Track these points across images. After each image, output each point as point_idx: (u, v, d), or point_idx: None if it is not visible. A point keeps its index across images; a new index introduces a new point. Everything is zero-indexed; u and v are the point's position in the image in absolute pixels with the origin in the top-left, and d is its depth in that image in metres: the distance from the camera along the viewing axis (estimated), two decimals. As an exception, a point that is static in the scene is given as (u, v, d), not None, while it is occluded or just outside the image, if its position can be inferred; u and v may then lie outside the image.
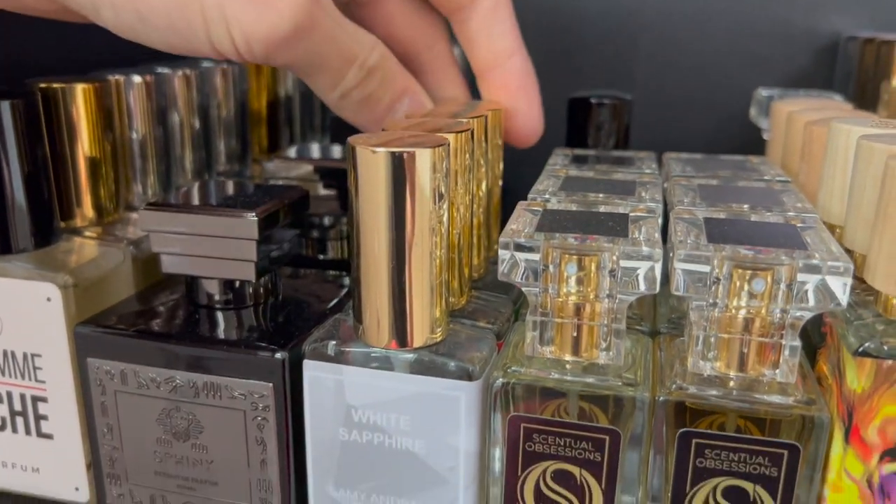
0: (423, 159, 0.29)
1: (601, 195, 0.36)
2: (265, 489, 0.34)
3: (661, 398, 0.30)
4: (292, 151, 0.49)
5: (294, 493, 0.35)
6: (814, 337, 0.34)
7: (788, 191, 0.37)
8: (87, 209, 0.40)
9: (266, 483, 0.34)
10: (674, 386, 0.30)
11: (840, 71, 0.62)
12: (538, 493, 0.32)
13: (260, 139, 0.58)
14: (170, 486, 0.36)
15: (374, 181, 0.30)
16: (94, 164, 0.40)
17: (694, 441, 0.30)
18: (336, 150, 0.49)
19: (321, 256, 0.46)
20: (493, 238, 0.42)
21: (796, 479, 0.29)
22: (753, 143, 0.55)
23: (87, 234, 0.40)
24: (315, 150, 0.48)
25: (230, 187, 0.38)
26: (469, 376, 0.31)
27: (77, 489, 0.38)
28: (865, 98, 0.56)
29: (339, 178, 0.46)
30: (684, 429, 0.30)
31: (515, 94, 0.39)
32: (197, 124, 0.50)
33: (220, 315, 0.36)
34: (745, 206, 0.34)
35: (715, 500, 0.30)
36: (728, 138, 0.63)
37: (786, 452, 0.29)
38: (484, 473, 0.32)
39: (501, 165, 0.43)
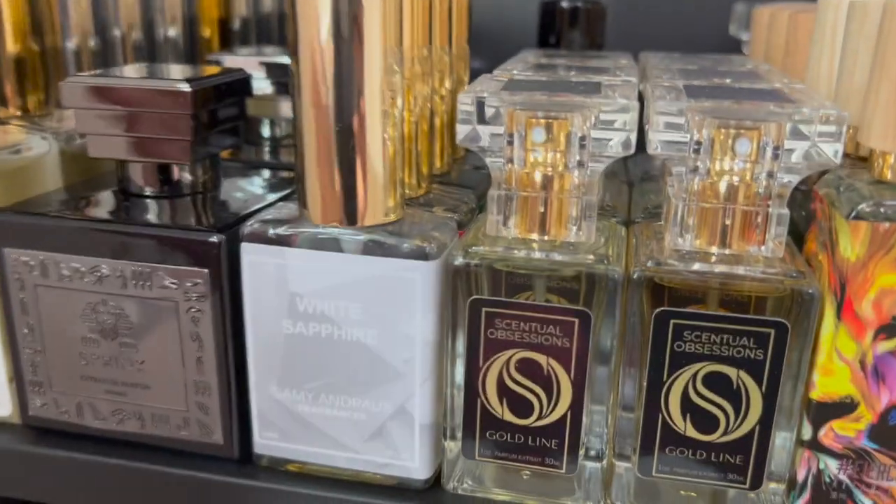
0: (373, 4, 0.26)
1: (573, 72, 0.33)
2: (202, 392, 0.31)
3: (636, 274, 0.27)
4: (244, 51, 0.45)
5: (235, 395, 0.31)
6: (800, 222, 0.32)
7: (773, 73, 0.34)
8: (13, 100, 0.37)
9: (203, 385, 0.31)
10: (649, 262, 0.27)
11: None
12: (501, 385, 0.29)
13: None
14: (98, 392, 0.32)
15: (317, 34, 0.26)
16: (21, 55, 0.37)
17: (672, 322, 0.27)
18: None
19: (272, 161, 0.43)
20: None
21: (783, 361, 0.27)
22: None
23: (13, 123, 0.36)
24: (269, 52, 0.45)
25: (166, 69, 0.35)
26: (425, 256, 0.28)
27: (-3, 401, 0.34)
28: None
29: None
30: (661, 308, 0.27)
31: None
32: (141, 37, 0.47)
33: (152, 203, 0.33)
34: (728, 80, 0.32)
35: (695, 388, 0.28)
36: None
37: (772, 332, 0.26)
38: (442, 366, 0.29)
39: (468, 70, 0.40)
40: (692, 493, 0.29)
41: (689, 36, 0.58)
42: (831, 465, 0.28)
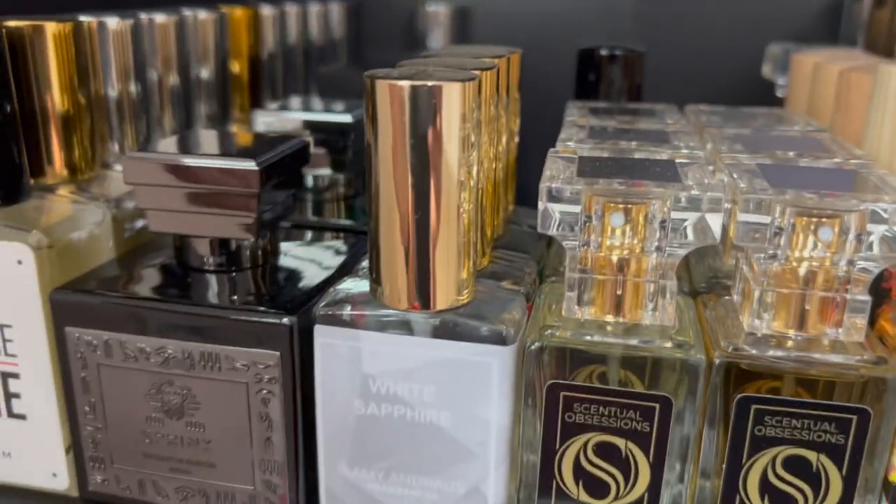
0: (453, 94, 0.26)
1: (633, 143, 0.33)
2: (270, 470, 0.31)
3: (718, 360, 0.27)
4: (274, 105, 0.45)
5: (303, 474, 0.31)
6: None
7: (828, 139, 0.34)
8: (59, 165, 0.36)
9: (271, 464, 0.31)
10: (730, 347, 0.27)
11: (845, 27, 0.60)
12: (578, 468, 0.29)
13: (242, 98, 0.54)
14: (161, 470, 0.32)
15: (397, 120, 0.26)
16: (66, 117, 0.36)
17: (753, 407, 0.27)
18: (322, 105, 0.45)
19: (315, 219, 0.43)
20: (510, 197, 0.39)
21: (865, 446, 0.27)
22: (765, 100, 0.53)
23: (61, 192, 0.35)
24: (301, 104, 0.44)
25: (223, 136, 0.34)
26: (503, 340, 0.28)
27: (55, 475, 0.34)
28: (878, 52, 0.54)
29: (329, 133, 0.42)
30: (743, 394, 0.27)
31: None
32: (176, 79, 0.46)
33: (214, 278, 0.32)
34: (790, 152, 0.32)
35: (774, 471, 0.28)
36: (738, 96, 0.61)
37: (855, 418, 0.27)
38: (517, 449, 0.29)
39: (518, 120, 0.40)
40: None
41: (721, 76, 0.58)
42: (908, 547, 0.29)
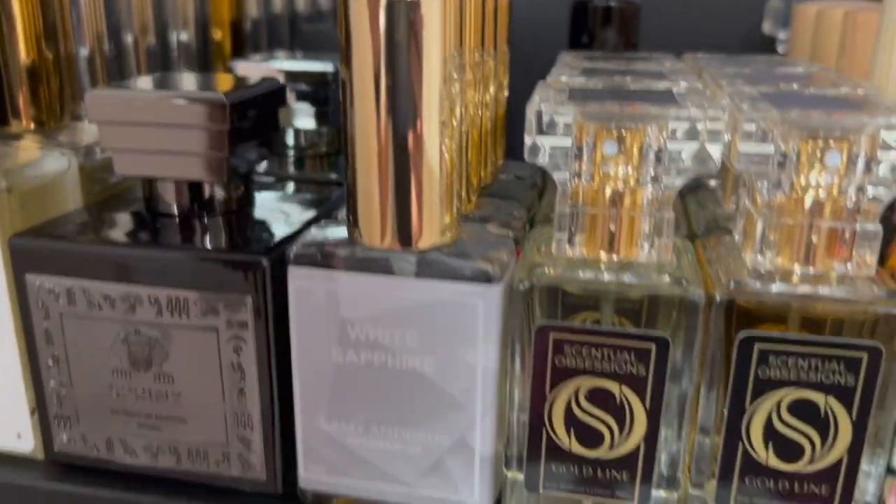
0: (433, 10, 0.24)
1: (629, 78, 0.31)
2: (244, 424, 0.29)
3: (719, 297, 0.25)
4: (257, 57, 0.43)
5: (279, 428, 0.29)
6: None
7: (833, 75, 0.32)
8: (26, 115, 0.35)
9: (245, 417, 0.29)
10: (732, 284, 0.25)
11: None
12: (569, 416, 0.27)
13: (224, 65, 0.52)
14: (130, 427, 0.30)
15: (372, 41, 0.24)
16: (32, 69, 0.34)
17: (756, 346, 0.25)
18: (304, 58, 0.43)
19: (297, 173, 0.41)
20: (499, 151, 0.37)
21: (876, 387, 0.25)
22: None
23: (27, 138, 0.34)
24: (283, 57, 0.43)
25: (195, 77, 0.33)
26: (489, 279, 0.26)
27: (19, 436, 0.32)
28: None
29: (311, 84, 0.40)
30: (746, 332, 0.25)
31: None
32: (154, 42, 0.45)
33: (184, 224, 0.31)
34: (795, 85, 0.30)
35: (779, 416, 0.26)
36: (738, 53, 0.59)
37: (865, 355, 0.25)
38: (504, 397, 0.27)
39: (507, 73, 0.38)
40: None
41: (720, 33, 0.56)
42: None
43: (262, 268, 0.27)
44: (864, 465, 0.26)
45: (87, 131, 0.35)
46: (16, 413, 0.32)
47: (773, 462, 0.26)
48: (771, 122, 0.24)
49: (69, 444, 0.31)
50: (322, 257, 0.27)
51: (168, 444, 0.30)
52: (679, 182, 0.25)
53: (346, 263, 0.27)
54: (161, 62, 0.47)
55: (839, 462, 0.26)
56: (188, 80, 0.32)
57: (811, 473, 0.26)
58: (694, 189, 0.36)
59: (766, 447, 0.26)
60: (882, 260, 0.28)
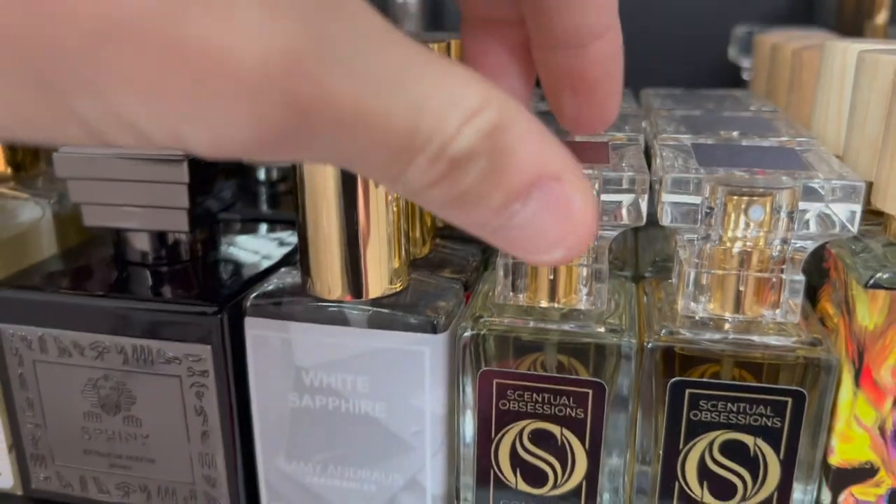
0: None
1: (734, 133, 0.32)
2: (208, 465, 0.31)
3: (650, 345, 0.26)
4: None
5: (242, 468, 0.31)
6: (812, 276, 0.31)
7: (779, 119, 0.33)
8: (3, 159, 0.36)
9: (209, 458, 0.31)
10: (663, 331, 0.27)
11: (819, 11, 0.59)
12: (515, 456, 0.28)
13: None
14: (101, 466, 0.32)
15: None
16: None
17: (687, 392, 0.26)
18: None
19: (270, 212, 0.42)
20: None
21: (801, 429, 0.26)
22: (733, 84, 0.52)
23: (3, 186, 0.35)
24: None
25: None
26: (433, 329, 0.27)
27: (-1, 473, 0.34)
28: (847, 33, 0.53)
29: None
30: (675, 378, 0.26)
31: (600, 82, 0.24)
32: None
33: (151, 273, 0.32)
34: (735, 132, 0.31)
35: (712, 456, 0.27)
36: (705, 82, 0.60)
37: (790, 400, 0.26)
38: (453, 439, 0.29)
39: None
40: None
41: (688, 61, 0.57)
42: (852, 529, 0.28)
43: (218, 319, 0.29)
44: (798, 495, 0.27)
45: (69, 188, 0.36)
46: (-5, 453, 0.33)
47: (708, 500, 0.28)
48: (696, 181, 0.25)
49: (45, 482, 0.33)
50: (276, 309, 0.28)
51: (138, 483, 0.32)
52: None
53: (300, 315, 0.28)
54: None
55: (770, 500, 0.27)
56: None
57: None
58: (649, 224, 0.38)
59: (702, 486, 0.28)
60: (814, 303, 0.30)
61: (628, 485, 0.29)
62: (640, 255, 0.35)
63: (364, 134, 0.15)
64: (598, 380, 0.27)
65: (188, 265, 0.33)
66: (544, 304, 0.28)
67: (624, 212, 0.26)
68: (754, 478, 0.27)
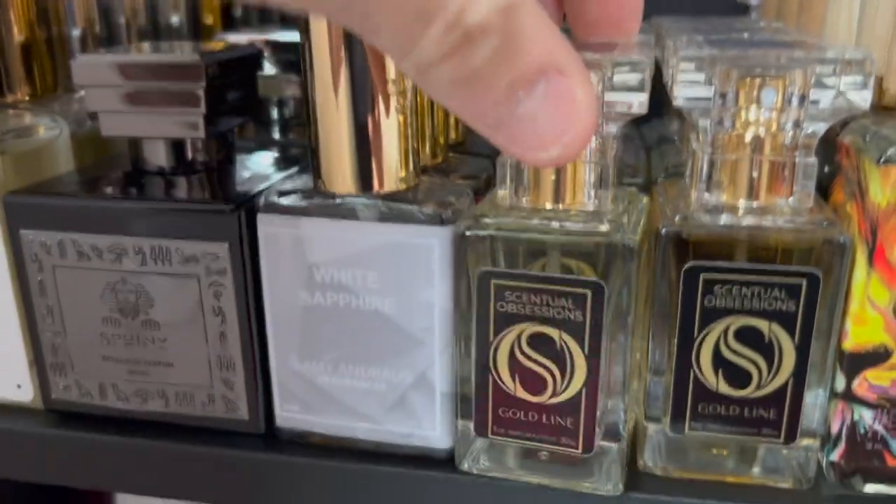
0: None
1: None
2: (227, 367, 0.31)
3: (664, 231, 0.26)
4: (245, 30, 0.45)
5: (260, 369, 0.31)
6: (822, 179, 0.31)
7: (788, 29, 0.33)
8: (20, 87, 0.37)
9: (227, 360, 0.31)
10: (677, 218, 0.27)
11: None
12: (513, 361, 0.28)
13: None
14: (120, 373, 0.32)
15: None
16: (25, 45, 0.36)
17: (702, 276, 0.26)
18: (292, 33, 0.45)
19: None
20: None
21: (816, 312, 0.26)
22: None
23: (21, 107, 0.36)
24: (271, 31, 0.44)
25: (177, 45, 0.35)
26: (441, 221, 0.27)
27: (19, 386, 0.34)
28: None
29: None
30: (690, 262, 0.26)
31: None
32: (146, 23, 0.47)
33: (168, 181, 0.33)
34: (746, 34, 0.31)
35: (727, 344, 0.27)
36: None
37: (804, 282, 0.26)
38: (459, 338, 0.29)
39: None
40: (723, 452, 0.29)
41: (695, 3, 0.57)
42: (866, 416, 0.28)
43: (235, 216, 0.29)
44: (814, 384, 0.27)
45: (79, 102, 0.37)
46: (15, 365, 0.34)
47: (724, 389, 0.28)
48: (709, 60, 0.25)
49: (65, 392, 0.33)
50: (287, 205, 0.29)
51: (157, 388, 0.32)
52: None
53: (310, 209, 0.28)
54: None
55: (785, 386, 0.27)
56: (171, 47, 0.34)
57: (759, 398, 0.27)
58: (659, 143, 0.38)
59: (717, 374, 0.27)
60: (826, 197, 0.29)
61: (641, 393, 0.28)
62: (652, 170, 0.35)
63: None
64: (597, 280, 0.26)
65: (204, 174, 0.33)
66: (548, 205, 0.27)
67: (631, 99, 0.26)
68: (769, 364, 0.27)
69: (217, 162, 0.34)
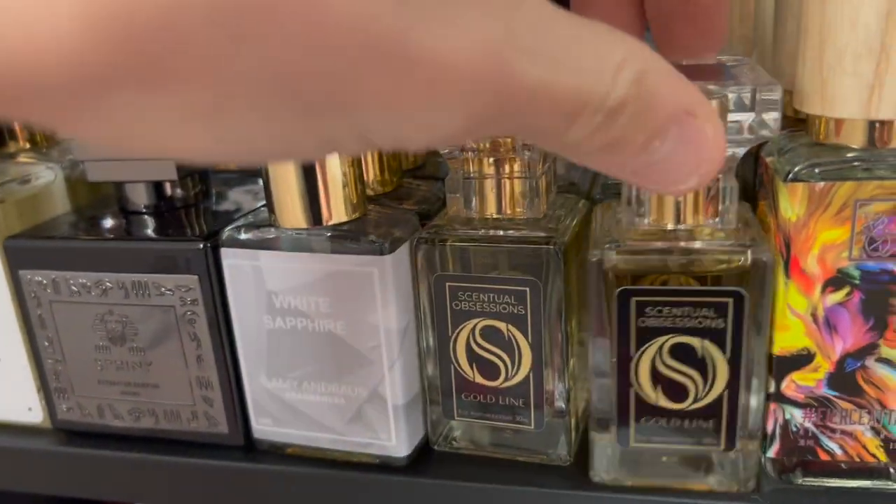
0: None
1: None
2: (205, 387, 0.34)
3: (595, 258, 0.28)
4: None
5: (235, 387, 0.34)
6: (752, 187, 0.32)
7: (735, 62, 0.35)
8: (21, 138, 0.41)
9: (205, 380, 0.34)
10: (608, 244, 0.28)
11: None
12: (470, 351, 0.31)
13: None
14: (114, 394, 0.36)
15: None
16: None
17: (633, 300, 0.28)
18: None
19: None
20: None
21: (744, 328, 0.28)
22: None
23: (20, 158, 0.40)
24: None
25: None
26: (381, 251, 0.30)
27: (30, 409, 0.38)
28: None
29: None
30: (622, 287, 0.28)
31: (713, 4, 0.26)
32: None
33: (148, 219, 0.36)
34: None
35: (662, 360, 0.29)
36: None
37: (730, 301, 0.27)
38: (420, 344, 0.32)
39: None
40: (673, 459, 0.31)
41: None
42: (796, 415, 0.29)
43: (202, 251, 0.32)
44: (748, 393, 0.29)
45: (77, 149, 0.41)
46: (25, 390, 0.38)
47: (664, 402, 0.29)
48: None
49: (69, 413, 0.37)
50: (245, 239, 0.31)
51: (147, 407, 0.36)
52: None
53: (266, 243, 0.31)
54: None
55: (720, 398, 0.29)
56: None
57: (698, 410, 0.29)
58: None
59: (656, 389, 0.29)
60: (755, 208, 0.31)
61: (570, 380, 0.31)
62: (595, 178, 0.37)
63: (543, 107, 0.16)
64: (533, 278, 0.29)
65: (182, 211, 0.36)
66: (495, 214, 0.31)
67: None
68: (704, 378, 0.29)
69: (194, 198, 0.37)
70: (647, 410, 0.30)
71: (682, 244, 0.28)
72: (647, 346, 0.29)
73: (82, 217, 0.37)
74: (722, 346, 0.28)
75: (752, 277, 0.27)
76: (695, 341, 0.28)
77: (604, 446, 0.31)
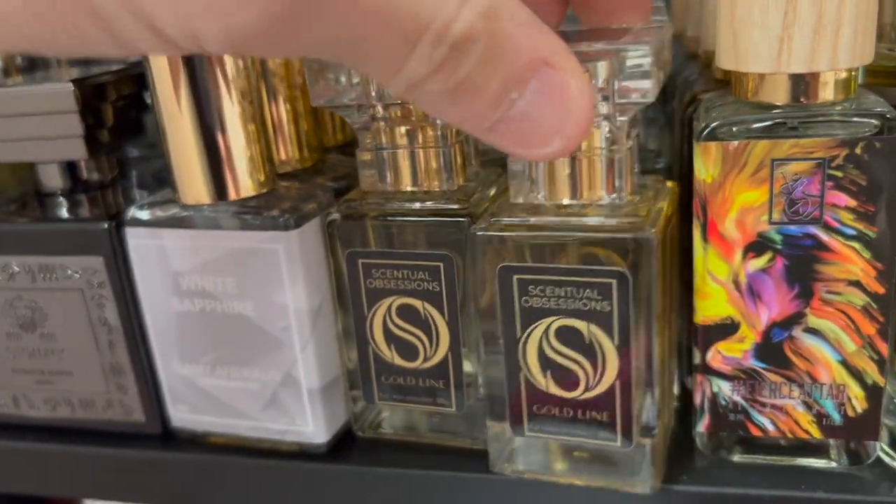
0: None
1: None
2: (119, 374, 0.33)
3: (478, 232, 0.27)
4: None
5: (150, 375, 0.33)
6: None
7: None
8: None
9: (118, 367, 0.33)
10: (492, 219, 0.27)
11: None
12: (387, 331, 0.29)
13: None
14: (28, 383, 0.34)
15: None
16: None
17: (515, 277, 0.26)
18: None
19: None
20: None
21: (629, 311, 0.25)
22: None
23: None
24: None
25: (58, 67, 0.36)
26: (285, 226, 0.28)
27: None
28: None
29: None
30: (503, 263, 0.26)
31: None
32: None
33: (62, 200, 0.34)
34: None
35: (550, 344, 0.27)
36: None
37: (614, 282, 0.25)
38: (337, 325, 0.30)
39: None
40: (584, 454, 0.29)
41: None
42: (724, 388, 0.28)
43: (106, 231, 0.31)
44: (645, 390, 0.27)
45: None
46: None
47: (554, 390, 0.27)
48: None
49: (-15, 404, 0.36)
50: (147, 218, 0.30)
51: (62, 396, 0.34)
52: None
53: (169, 221, 0.30)
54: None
55: (613, 388, 0.27)
56: (59, 73, 0.36)
57: (590, 400, 0.27)
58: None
59: (545, 375, 0.27)
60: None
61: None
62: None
63: (367, 17, 0.15)
64: (447, 253, 0.27)
65: (98, 192, 0.35)
66: (409, 188, 0.29)
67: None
68: (594, 366, 0.27)
69: (110, 179, 0.35)
70: (539, 398, 0.28)
71: (562, 220, 0.26)
72: (532, 327, 0.27)
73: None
74: (609, 332, 0.26)
75: (635, 257, 0.25)
76: (581, 325, 0.26)
77: (497, 435, 0.29)
